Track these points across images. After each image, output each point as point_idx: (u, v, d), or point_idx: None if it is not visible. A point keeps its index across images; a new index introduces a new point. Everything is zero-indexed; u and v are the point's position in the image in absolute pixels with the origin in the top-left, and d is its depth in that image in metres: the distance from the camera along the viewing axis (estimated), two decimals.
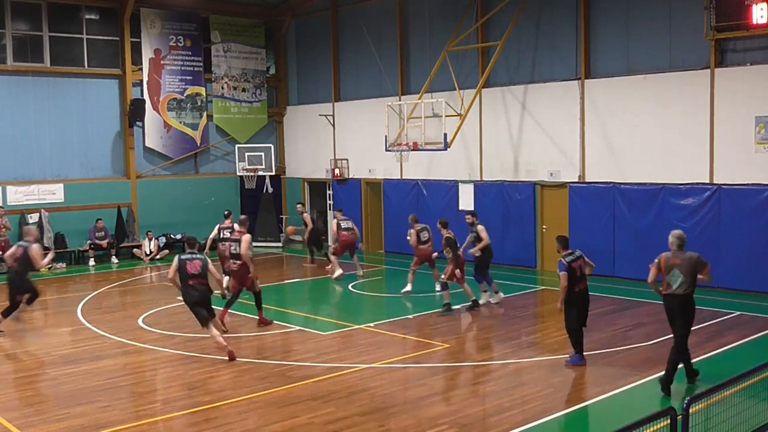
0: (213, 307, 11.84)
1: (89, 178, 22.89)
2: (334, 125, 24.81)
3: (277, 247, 24.79)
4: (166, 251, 22.89)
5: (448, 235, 14.83)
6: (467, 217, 15.72)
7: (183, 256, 11.72)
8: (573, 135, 18.55)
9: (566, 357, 11.45)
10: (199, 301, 11.56)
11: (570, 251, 11.12)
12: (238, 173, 25.21)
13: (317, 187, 26.09)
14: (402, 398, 9.84)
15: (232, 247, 13.63)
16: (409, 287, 16.33)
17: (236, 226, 14.38)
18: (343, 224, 18.91)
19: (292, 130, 26.76)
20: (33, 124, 21.89)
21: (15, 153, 21.61)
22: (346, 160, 24.39)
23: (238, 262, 13.47)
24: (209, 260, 11.99)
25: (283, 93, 26.90)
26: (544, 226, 19.35)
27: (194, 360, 11.68)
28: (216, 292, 12.15)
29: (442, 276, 15.04)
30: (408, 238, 16.59)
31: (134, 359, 11.95)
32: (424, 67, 21.09)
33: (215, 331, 11.61)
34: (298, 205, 21.69)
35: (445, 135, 17.93)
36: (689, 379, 9.91)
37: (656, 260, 9.94)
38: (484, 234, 15.13)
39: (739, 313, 14.00)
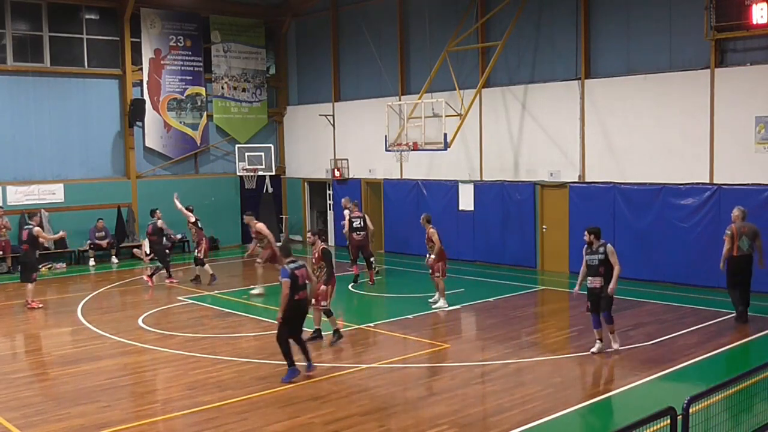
0: None
1: (89, 178, 22.89)
2: (334, 125, 24.81)
3: (277, 246, 24.74)
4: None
5: (323, 246, 12.63)
6: (586, 236, 11.57)
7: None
8: (573, 135, 18.55)
9: (566, 356, 11.46)
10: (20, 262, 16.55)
11: (293, 258, 10.69)
12: (238, 173, 25.20)
13: (317, 187, 26.10)
14: (402, 398, 9.84)
15: (355, 222, 17.75)
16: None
17: (351, 207, 18.40)
18: (356, 222, 17.78)
19: (292, 130, 26.76)
20: (33, 124, 21.89)
21: (15, 153, 21.61)
22: (346, 160, 24.39)
23: (363, 233, 17.76)
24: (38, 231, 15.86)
25: (283, 93, 26.90)
26: (544, 226, 19.35)
27: (194, 360, 11.69)
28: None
29: (323, 302, 12.35)
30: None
31: (134, 359, 11.95)
32: (424, 67, 21.09)
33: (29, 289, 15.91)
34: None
35: (445, 135, 17.93)
36: (742, 317, 13.16)
37: (728, 232, 13.11)
38: (614, 257, 11.37)
39: None
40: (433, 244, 14.98)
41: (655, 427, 6.14)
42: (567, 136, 18.66)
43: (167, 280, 18.59)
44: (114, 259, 22.29)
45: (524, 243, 19.66)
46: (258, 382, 10.42)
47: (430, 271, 15.14)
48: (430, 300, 15.39)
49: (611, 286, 11.29)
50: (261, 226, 17.14)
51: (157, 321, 14.51)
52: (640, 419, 5.65)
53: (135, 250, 22.59)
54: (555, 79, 18.90)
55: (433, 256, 14.99)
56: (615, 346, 11.57)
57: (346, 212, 18.69)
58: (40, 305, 15.94)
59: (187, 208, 18.99)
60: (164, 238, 18.80)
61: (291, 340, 10.53)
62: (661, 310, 14.51)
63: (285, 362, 10.51)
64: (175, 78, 24.23)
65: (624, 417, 9.09)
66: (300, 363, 10.58)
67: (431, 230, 15.11)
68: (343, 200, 19.95)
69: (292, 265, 10.52)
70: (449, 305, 15.06)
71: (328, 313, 12.54)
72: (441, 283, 15.10)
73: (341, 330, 12.69)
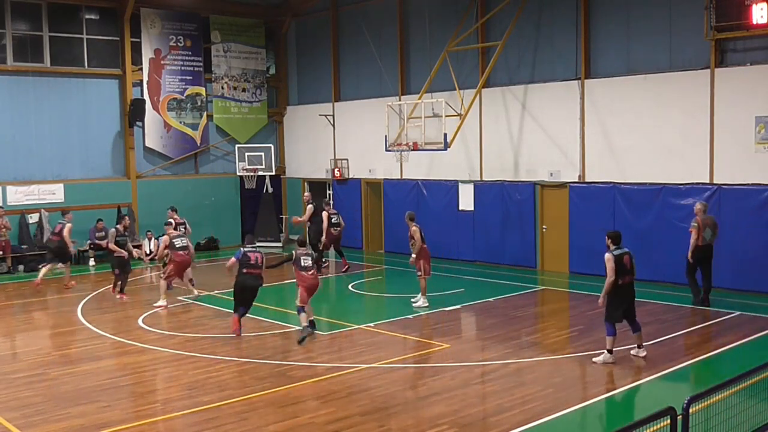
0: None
1: (89, 178, 22.88)
2: (334, 125, 24.81)
3: (278, 247, 24.78)
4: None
5: (301, 252, 13.25)
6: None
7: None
8: (573, 135, 18.55)
9: (566, 356, 11.46)
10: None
11: (253, 247, 13.37)
12: (238, 173, 25.21)
13: (317, 187, 26.07)
14: (402, 398, 9.84)
15: (333, 219, 19.56)
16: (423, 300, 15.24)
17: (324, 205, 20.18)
18: (334, 219, 19.63)
19: (292, 130, 26.76)
20: (33, 124, 21.89)
21: (15, 153, 21.60)
22: (346, 160, 24.39)
23: (339, 229, 19.69)
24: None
25: (283, 93, 26.90)
26: (544, 226, 19.35)
27: (194, 360, 11.69)
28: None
29: (296, 301, 13.16)
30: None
31: (134, 359, 11.95)
32: (424, 67, 21.09)
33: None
34: (169, 210, 18.67)
35: (445, 135, 17.93)
36: (704, 302, 14.69)
37: (694, 224, 14.47)
38: (607, 265, 11.07)
39: (739, 313, 14.00)
40: (414, 242, 15.04)
41: (655, 427, 6.14)
42: (567, 136, 18.66)
43: (120, 295, 16.75)
44: None
45: (524, 243, 19.66)
46: (258, 382, 10.43)
47: (417, 270, 15.17)
48: (413, 299, 15.35)
49: (600, 297, 11.10)
50: (165, 237, 16.49)
51: (157, 321, 14.51)
52: (640, 419, 5.65)
53: (135, 250, 22.57)
54: (555, 79, 18.90)
55: (413, 256, 15.08)
56: (595, 359, 11.07)
57: (311, 207, 20.27)
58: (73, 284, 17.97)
59: (171, 209, 18.62)
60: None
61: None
62: (661, 310, 14.51)
63: (289, 363, 10.61)
64: (175, 78, 24.23)
65: (624, 417, 9.10)
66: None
67: (413, 228, 15.12)
68: (307, 194, 21.47)
69: (248, 248, 13.28)
70: (429, 305, 15.01)
71: (298, 311, 13.05)
72: (422, 282, 15.11)
73: (313, 322, 13.11)
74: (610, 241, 11.20)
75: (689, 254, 14.52)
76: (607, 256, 10.98)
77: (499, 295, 16.28)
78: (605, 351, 11.05)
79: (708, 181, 16.30)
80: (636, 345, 11.33)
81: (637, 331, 11.26)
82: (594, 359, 11.11)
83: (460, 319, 14.57)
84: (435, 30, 21.03)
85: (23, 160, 21.74)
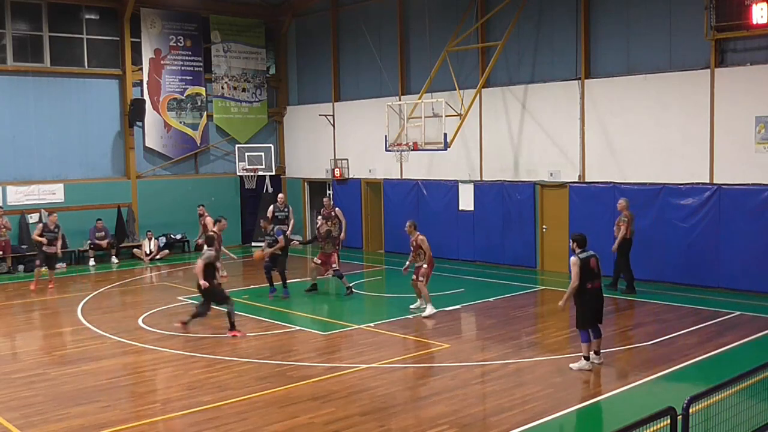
0: None
1: (89, 178, 22.88)
2: (334, 125, 24.81)
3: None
4: (167, 251, 22.90)
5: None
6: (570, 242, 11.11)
7: None
8: (573, 135, 18.55)
9: (566, 356, 11.46)
10: None
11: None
12: (238, 173, 25.21)
13: (317, 187, 26.09)
14: (402, 398, 9.84)
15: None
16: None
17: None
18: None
19: (292, 130, 26.76)
20: (33, 124, 21.88)
21: (15, 153, 21.61)
22: (346, 160, 24.39)
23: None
24: None
25: (283, 93, 26.90)
26: (544, 226, 19.35)
27: (194, 360, 11.69)
28: None
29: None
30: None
31: (134, 359, 11.95)
32: (424, 67, 21.09)
33: None
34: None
35: (445, 135, 17.93)
36: (614, 286, 16.15)
37: (625, 219, 15.83)
38: (574, 269, 10.70)
39: (739, 313, 14.00)
40: (422, 251, 14.36)
41: (655, 427, 6.15)
42: (567, 136, 18.66)
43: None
44: (114, 260, 22.26)
45: (524, 243, 19.66)
46: (258, 382, 10.43)
47: (414, 276, 14.51)
48: (412, 306, 14.81)
49: (561, 300, 10.72)
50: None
51: (157, 321, 14.50)
52: (640, 419, 5.65)
53: (135, 250, 22.62)
54: (555, 79, 18.89)
55: (425, 265, 14.37)
56: (572, 365, 10.77)
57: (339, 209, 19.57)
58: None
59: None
60: None
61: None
62: (661, 310, 14.51)
63: (289, 363, 10.58)
64: (175, 78, 24.23)
65: (624, 417, 9.09)
66: None
67: (420, 237, 14.42)
68: (326, 199, 20.27)
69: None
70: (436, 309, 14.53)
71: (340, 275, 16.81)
72: (425, 290, 14.43)
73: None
74: (575, 244, 10.69)
75: (616, 246, 15.91)
76: (573, 259, 10.53)
77: (499, 295, 16.28)
78: (582, 358, 10.75)
79: (708, 181, 16.30)
80: (593, 351, 10.84)
81: (597, 337, 10.84)
82: (571, 365, 10.82)
83: (460, 319, 14.57)
84: (435, 30, 21.03)
85: (23, 160, 21.74)
